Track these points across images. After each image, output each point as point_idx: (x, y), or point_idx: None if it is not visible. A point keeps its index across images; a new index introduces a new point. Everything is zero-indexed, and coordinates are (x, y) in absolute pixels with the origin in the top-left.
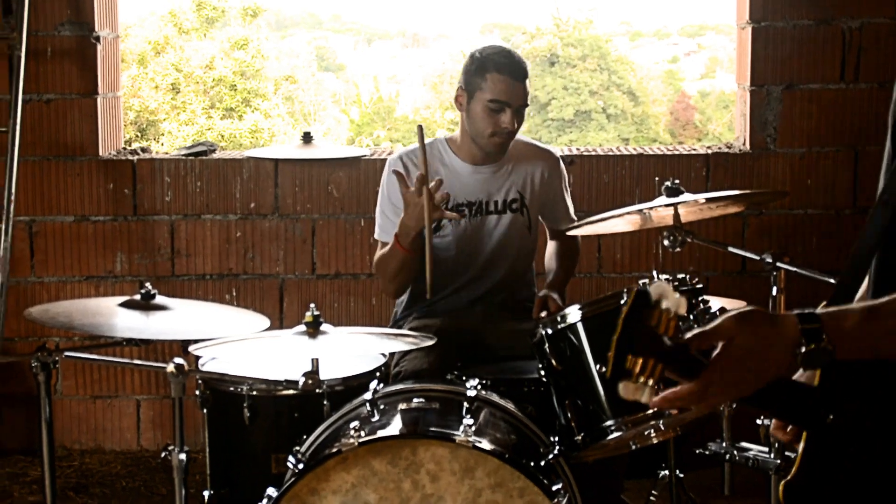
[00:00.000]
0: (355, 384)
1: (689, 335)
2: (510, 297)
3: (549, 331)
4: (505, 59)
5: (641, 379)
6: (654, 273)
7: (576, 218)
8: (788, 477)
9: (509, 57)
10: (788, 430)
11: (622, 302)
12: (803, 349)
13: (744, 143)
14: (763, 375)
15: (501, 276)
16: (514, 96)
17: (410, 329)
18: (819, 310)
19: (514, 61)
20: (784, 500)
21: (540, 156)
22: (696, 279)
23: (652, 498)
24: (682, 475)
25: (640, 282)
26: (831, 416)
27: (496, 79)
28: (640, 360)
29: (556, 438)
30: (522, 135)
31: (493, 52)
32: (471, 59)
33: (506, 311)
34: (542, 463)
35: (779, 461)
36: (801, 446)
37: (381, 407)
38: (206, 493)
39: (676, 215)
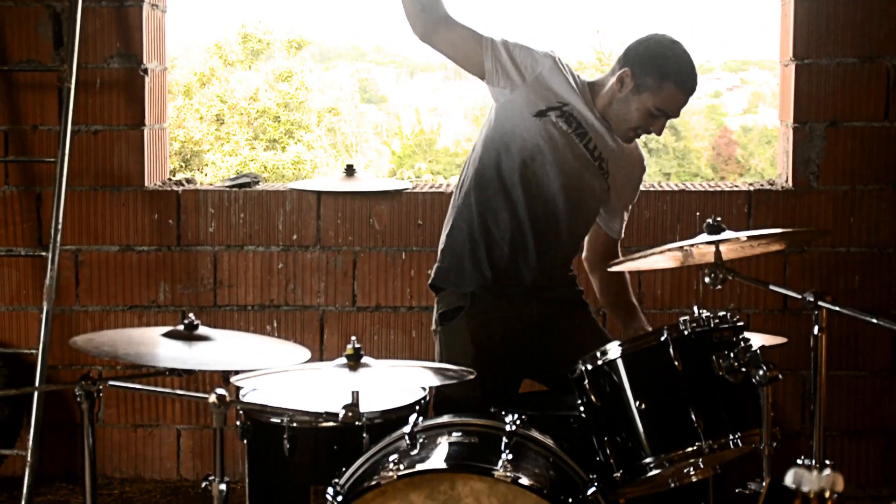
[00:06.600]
0: (395, 417)
1: None
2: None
3: (589, 367)
4: (686, 77)
5: None
6: (695, 308)
7: (623, 235)
8: None
9: (690, 73)
10: None
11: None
12: None
13: (786, 181)
14: None
15: (565, 224)
16: (678, 110)
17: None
18: None
19: (693, 77)
20: None
21: (639, 154)
22: (738, 317)
23: None
24: None
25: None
26: None
27: (673, 92)
28: None
29: (595, 475)
30: None
31: (678, 61)
32: (655, 53)
33: (559, 308)
34: (581, 499)
35: None
36: None
37: (421, 440)
38: None
39: (718, 253)
